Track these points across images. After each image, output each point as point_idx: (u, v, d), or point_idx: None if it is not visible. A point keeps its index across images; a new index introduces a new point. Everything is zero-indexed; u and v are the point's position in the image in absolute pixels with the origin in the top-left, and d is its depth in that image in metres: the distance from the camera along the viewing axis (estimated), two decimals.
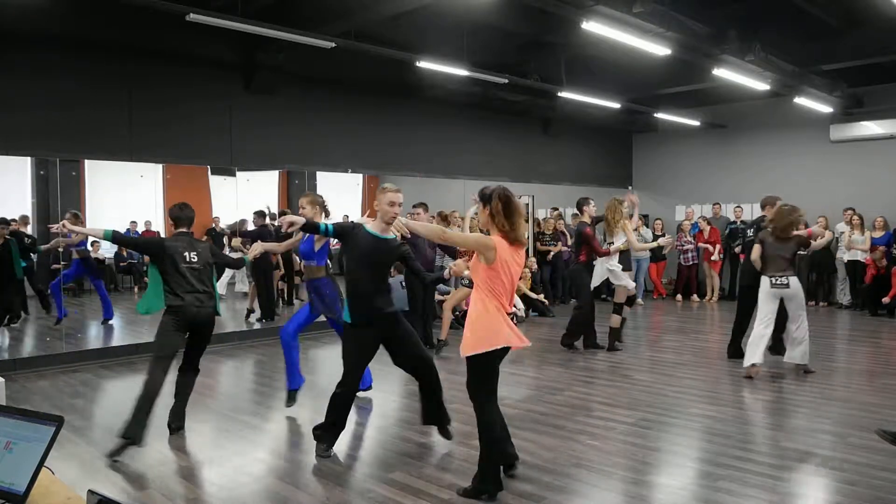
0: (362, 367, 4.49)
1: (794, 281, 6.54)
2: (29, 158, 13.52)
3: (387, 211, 4.27)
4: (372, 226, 4.35)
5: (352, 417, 5.71)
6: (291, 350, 5.57)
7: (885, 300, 10.41)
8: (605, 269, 7.93)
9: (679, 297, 12.94)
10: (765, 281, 6.62)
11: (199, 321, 4.86)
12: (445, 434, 4.66)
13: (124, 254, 13.91)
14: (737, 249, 11.26)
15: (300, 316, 5.60)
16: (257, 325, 9.75)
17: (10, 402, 4.48)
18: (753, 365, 6.49)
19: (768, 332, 6.55)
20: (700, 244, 12.66)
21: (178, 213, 5.08)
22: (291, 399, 5.62)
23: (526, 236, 3.78)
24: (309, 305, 5.58)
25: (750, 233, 7.78)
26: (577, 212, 8.39)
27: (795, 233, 6.63)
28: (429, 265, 7.94)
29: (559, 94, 10.07)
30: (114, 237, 4.88)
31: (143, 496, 3.89)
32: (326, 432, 4.51)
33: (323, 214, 5.45)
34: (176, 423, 5.02)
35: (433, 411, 4.61)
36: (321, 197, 5.52)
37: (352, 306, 4.32)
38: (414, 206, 8.03)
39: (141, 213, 15.52)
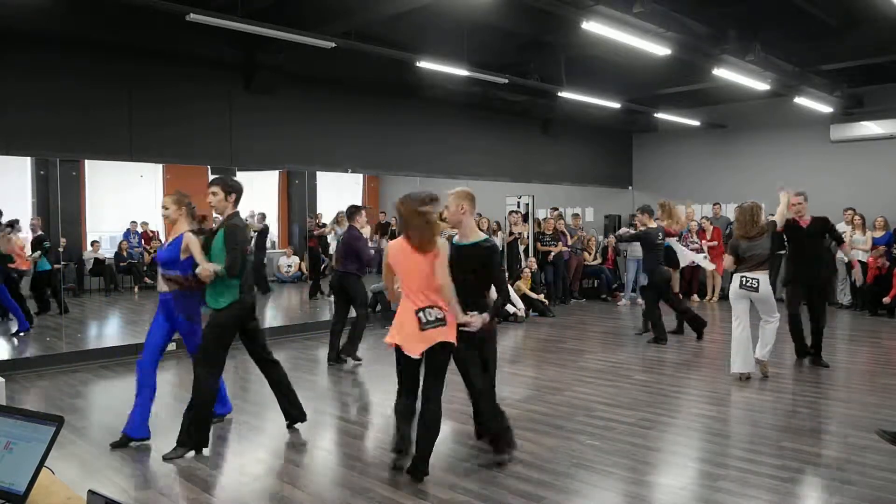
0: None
1: (763, 282, 6.38)
2: (29, 158, 13.51)
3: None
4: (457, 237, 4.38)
5: (351, 417, 5.73)
6: (143, 388, 4.73)
7: (886, 300, 10.41)
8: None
9: (679, 297, 12.92)
10: (735, 279, 6.53)
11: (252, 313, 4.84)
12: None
13: (124, 254, 13.91)
14: None
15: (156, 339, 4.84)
16: None
17: (10, 402, 4.48)
18: (744, 375, 6.44)
19: (746, 333, 6.47)
20: (704, 244, 12.64)
21: (241, 187, 4.73)
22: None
23: (434, 241, 3.94)
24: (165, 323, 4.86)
25: None
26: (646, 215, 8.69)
27: (765, 221, 6.52)
28: (370, 264, 7.77)
29: (559, 94, 10.07)
30: (228, 271, 4.52)
31: (143, 496, 3.89)
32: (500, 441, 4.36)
33: (190, 217, 4.81)
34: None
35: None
36: (187, 196, 4.87)
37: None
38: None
39: (141, 213, 15.55)
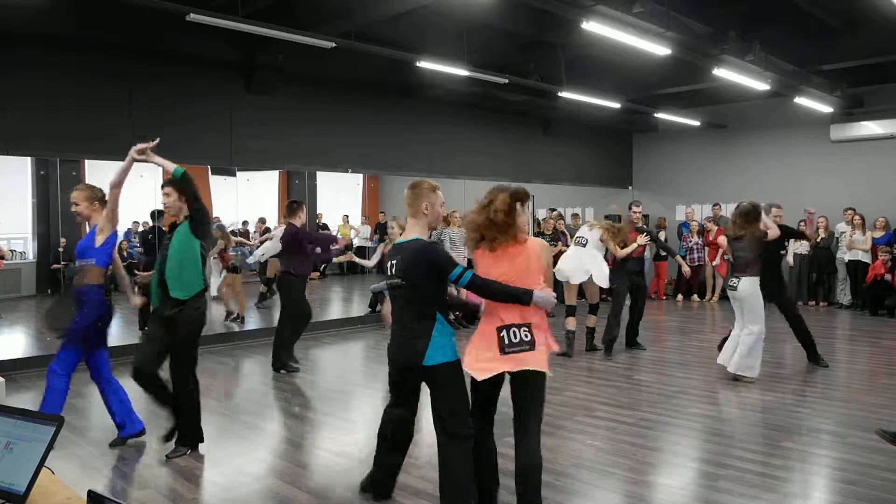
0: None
1: (743, 284, 6.32)
2: (29, 158, 13.52)
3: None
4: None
5: (350, 417, 5.72)
6: (52, 394, 4.49)
7: (888, 302, 10.41)
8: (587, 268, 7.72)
9: (680, 297, 12.95)
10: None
11: None
12: None
13: (124, 253, 13.91)
14: None
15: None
16: (235, 327, 9.67)
17: (9, 402, 4.48)
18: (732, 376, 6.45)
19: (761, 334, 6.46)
20: (707, 245, 12.66)
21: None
22: None
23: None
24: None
25: None
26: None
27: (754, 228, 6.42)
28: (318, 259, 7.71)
29: (559, 94, 10.07)
30: (183, 177, 4.62)
31: (143, 496, 3.89)
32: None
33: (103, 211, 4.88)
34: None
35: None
36: (99, 190, 4.97)
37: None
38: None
39: (141, 212, 15.53)
